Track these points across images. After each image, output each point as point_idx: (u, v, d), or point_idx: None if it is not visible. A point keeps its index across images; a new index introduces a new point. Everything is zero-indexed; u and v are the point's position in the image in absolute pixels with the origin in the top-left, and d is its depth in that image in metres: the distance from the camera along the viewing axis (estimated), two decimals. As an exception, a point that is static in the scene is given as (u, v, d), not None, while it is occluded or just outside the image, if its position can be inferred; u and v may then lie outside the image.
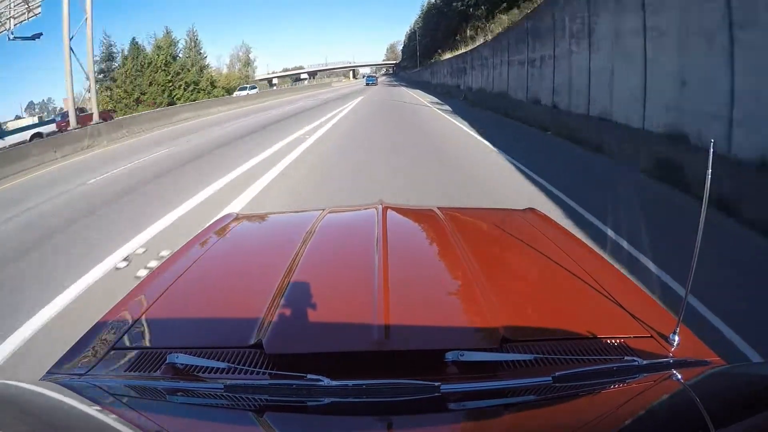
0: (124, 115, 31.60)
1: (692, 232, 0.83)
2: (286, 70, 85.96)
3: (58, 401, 0.72)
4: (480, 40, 21.62)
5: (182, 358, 0.80)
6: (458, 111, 15.08)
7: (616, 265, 1.33)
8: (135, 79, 34.91)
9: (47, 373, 0.88)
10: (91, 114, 19.23)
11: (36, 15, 18.34)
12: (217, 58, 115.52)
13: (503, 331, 0.84)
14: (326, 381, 0.69)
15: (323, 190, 5.75)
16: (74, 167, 10.34)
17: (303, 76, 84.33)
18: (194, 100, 35.82)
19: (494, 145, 7.99)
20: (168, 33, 38.99)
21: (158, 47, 37.74)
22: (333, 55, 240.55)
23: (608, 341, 0.86)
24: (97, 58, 36.12)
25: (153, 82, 34.50)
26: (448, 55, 28.40)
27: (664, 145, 5.33)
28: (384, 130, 11.49)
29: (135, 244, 4.28)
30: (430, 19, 43.84)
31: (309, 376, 0.71)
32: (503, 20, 19.27)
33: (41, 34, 19.27)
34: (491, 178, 5.87)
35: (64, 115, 19.25)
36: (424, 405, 0.70)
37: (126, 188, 6.98)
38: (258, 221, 1.85)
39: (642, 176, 5.34)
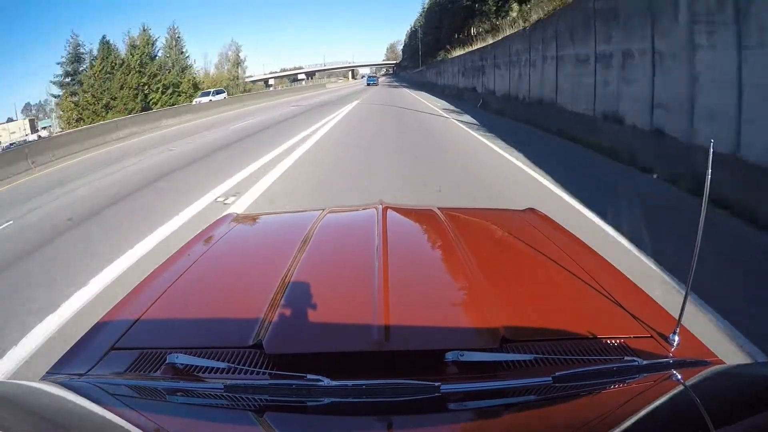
0: (92, 122, 27.79)
1: None
2: (284, 70, 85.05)
3: (58, 401, 0.72)
4: (487, 39, 18.50)
5: (182, 358, 0.80)
6: (489, 125, 10.82)
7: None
8: (104, 83, 31.15)
9: (47, 373, 0.88)
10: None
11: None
12: (204, 56, 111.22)
13: (503, 331, 0.84)
14: (326, 381, 0.69)
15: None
16: None
17: (300, 76, 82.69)
18: (173, 104, 32.12)
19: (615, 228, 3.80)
20: (145, 30, 35.21)
21: (133, 46, 33.95)
22: (333, 56, 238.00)
23: (608, 341, 0.86)
24: (64, 60, 32.43)
25: (125, 85, 30.74)
26: (458, 52, 24.52)
27: None
28: (389, 175, 6.19)
29: None
30: (432, 17, 41.44)
31: (309, 376, 0.70)
32: (523, 11, 15.78)
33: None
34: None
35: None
36: (424, 405, 0.69)
37: None
38: (258, 221, 1.83)
39: None
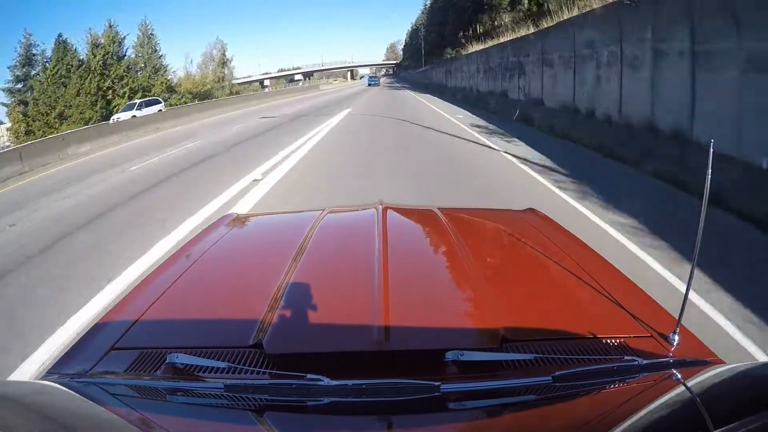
0: (44, 135, 23.12)
1: None
2: (282, 70, 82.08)
3: (58, 401, 0.71)
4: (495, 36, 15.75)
5: (182, 358, 0.80)
6: (575, 167, 6.20)
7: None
8: (59, 88, 26.72)
9: (47, 373, 0.88)
10: None
11: None
12: (185, 56, 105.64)
13: (503, 330, 0.84)
14: (326, 381, 0.69)
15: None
16: None
17: (297, 77, 79.79)
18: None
19: None
20: (111, 27, 30.85)
21: (96, 45, 29.53)
22: (332, 56, 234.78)
23: (608, 341, 0.86)
24: (16, 63, 28.00)
25: (81, 90, 26.34)
26: (477, 47, 20.10)
27: None
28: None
29: None
30: (436, 13, 38.32)
31: (309, 375, 0.70)
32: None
33: None
34: None
35: None
36: (424, 405, 0.69)
37: None
38: (258, 221, 1.82)
39: None
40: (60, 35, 27.33)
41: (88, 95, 26.39)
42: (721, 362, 0.79)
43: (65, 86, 26.78)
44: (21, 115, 26.37)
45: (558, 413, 0.70)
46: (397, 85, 47.89)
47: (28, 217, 6.47)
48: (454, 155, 7.83)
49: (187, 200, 6.02)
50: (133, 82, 29.48)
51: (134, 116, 19.98)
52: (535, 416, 0.70)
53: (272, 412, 0.71)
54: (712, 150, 0.82)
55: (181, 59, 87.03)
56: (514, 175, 6.23)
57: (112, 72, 29.28)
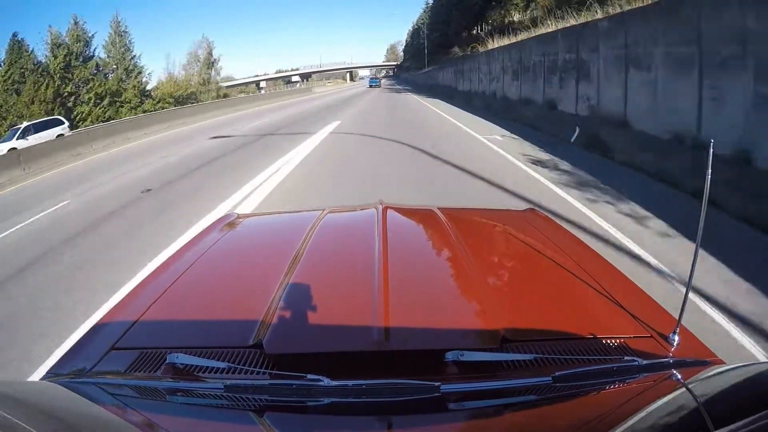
0: None
1: None
2: (280, 71, 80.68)
3: (58, 401, 0.72)
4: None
5: (182, 358, 0.80)
6: None
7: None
8: (10, 96, 23.23)
9: (47, 373, 0.88)
10: None
11: None
12: (166, 56, 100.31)
13: (503, 331, 0.84)
14: (326, 381, 0.69)
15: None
16: None
17: (294, 78, 77.07)
18: (110, 119, 24.27)
19: None
20: (77, 23, 27.36)
21: (57, 45, 26.02)
22: (332, 57, 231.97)
23: (608, 341, 0.86)
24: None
25: (36, 98, 22.81)
26: (502, 42, 16.46)
27: None
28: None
29: None
30: (439, 11, 36.33)
31: (309, 376, 0.70)
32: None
33: None
34: None
35: None
36: (424, 405, 0.69)
37: None
38: (258, 221, 1.83)
39: None
40: (15, 35, 23.85)
41: (43, 103, 22.89)
42: (721, 362, 0.80)
43: (18, 93, 23.30)
44: (-35, 126, 22.88)
45: (558, 413, 0.71)
46: (399, 87, 44.33)
47: None
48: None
49: None
50: (100, 86, 26.04)
51: (12, 149, 12.82)
52: (535, 416, 0.71)
53: (272, 412, 0.72)
54: (711, 150, 0.82)
55: (173, 60, 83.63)
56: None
57: (75, 75, 25.79)
